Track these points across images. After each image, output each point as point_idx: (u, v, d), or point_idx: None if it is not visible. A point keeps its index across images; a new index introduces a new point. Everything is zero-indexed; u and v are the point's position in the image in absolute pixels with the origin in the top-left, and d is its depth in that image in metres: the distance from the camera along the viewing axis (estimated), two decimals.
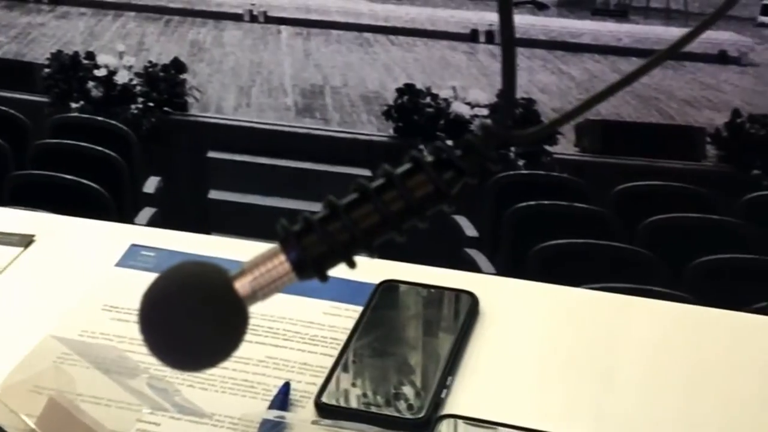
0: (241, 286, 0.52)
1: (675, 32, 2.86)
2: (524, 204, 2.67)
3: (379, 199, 0.52)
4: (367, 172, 2.94)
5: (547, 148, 2.85)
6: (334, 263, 0.52)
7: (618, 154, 2.86)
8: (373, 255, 0.52)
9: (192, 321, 0.52)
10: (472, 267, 2.70)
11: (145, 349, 0.92)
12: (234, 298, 0.52)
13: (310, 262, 0.52)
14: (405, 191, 0.52)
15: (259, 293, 0.53)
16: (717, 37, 2.88)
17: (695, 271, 2.52)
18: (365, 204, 0.52)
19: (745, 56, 2.90)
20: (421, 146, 2.88)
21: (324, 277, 0.53)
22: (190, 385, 0.87)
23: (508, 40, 0.52)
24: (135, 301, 0.96)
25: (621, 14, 2.92)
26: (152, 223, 2.91)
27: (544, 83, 2.82)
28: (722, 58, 2.87)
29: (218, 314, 0.52)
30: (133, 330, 0.94)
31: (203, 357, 0.54)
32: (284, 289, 0.54)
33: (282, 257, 0.52)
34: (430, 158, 0.53)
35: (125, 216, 2.87)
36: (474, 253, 2.78)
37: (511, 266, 2.70)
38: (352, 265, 0.52)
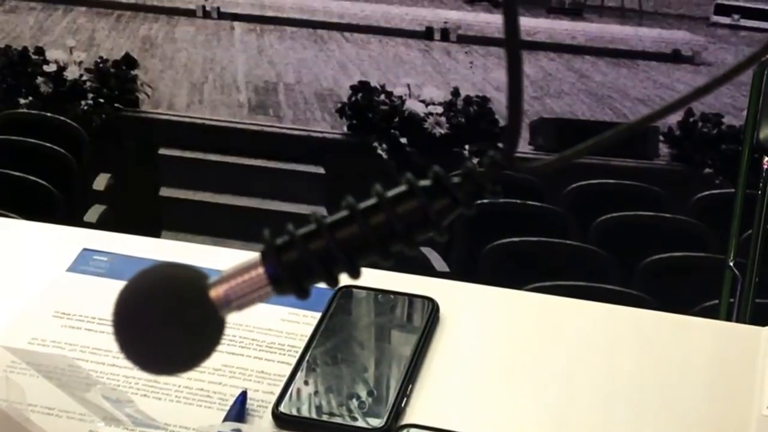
0: (216, 293, 0.51)
1: (629, 31, 2.87)
2: (477, 202, 2.67)
3: (366, 221, 0.50)
4: (320, 170, 2.93)
5: (501, 145, 2.84)
6: (313, 281, 0.51)
7: None
8: (355, 276, 0.51)
9: (163, 324, 0.51)
10: (425, 265, 2.69)
11: (97, 358, 0.90)
12: (208, 305, 0.51)
13: (287, 278, 0.51)
14: (393, 216, 0.50)
15: (234, 303, 0.51)
16: (670, 36, 2.89)
17: (647, 269, 2.53)
18: (351, 224, 0.50)
19: (699, 55, 2.92)
20: (375, 143, 2.87)
21: (302, 294, 0.51)
22: (144, 395, 0.85)
23: (515, 70, 0.50)
24: (87, 308, 0.95)
25: (576, 12, 2.92)
26: (102, 220, 2.88)
27: (500, 81, 2.81)
28: (676, 57, 2.89)
29: (190, 319, 0.51)
30: (85, 338, 0.93)
31: (173, 362, 0.52)
32: None
33: (260, 270, 0.51)
34: (426, 182, 0.51)
35: (74, 214, 2.83)
36: (427, 251, 2.77)
37: (464, 264, 2.70)
38: (334, 283, 0.51)
